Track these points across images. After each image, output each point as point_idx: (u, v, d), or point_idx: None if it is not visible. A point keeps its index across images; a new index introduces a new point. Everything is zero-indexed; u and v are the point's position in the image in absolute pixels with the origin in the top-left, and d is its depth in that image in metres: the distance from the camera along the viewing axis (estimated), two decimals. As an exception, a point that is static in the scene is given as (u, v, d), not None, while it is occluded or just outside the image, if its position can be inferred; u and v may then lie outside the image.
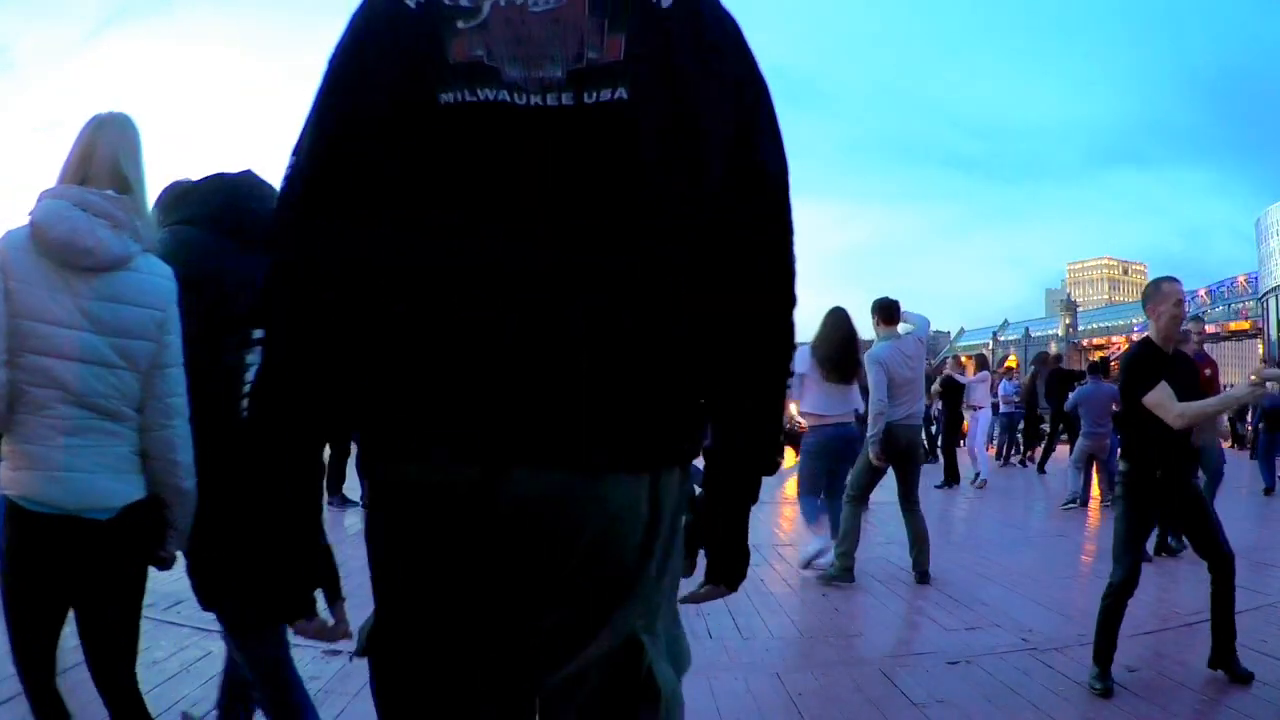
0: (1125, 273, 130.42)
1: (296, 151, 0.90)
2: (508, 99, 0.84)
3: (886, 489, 8.73)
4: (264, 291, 0.89)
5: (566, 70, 0.85)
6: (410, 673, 0.89)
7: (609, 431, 0.85)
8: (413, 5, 0.87)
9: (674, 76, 0.87)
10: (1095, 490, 8.13)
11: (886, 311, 5.08)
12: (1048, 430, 11.50)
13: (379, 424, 0.88)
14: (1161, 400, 2.91)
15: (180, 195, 1.85)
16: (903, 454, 4.97)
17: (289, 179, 0.90)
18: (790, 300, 0.98)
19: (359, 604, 4.26)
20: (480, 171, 0.85)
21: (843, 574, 4.68)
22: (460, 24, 0.85)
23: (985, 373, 10.61)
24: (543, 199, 0.84)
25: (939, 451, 10.48)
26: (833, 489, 5.16)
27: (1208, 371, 5.66)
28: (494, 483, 0.83)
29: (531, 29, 0.85)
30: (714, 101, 0.89)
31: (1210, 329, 57.65)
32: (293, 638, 3.41)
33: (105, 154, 1.61)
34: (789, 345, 1.01)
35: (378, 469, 0.89)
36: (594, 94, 0.85)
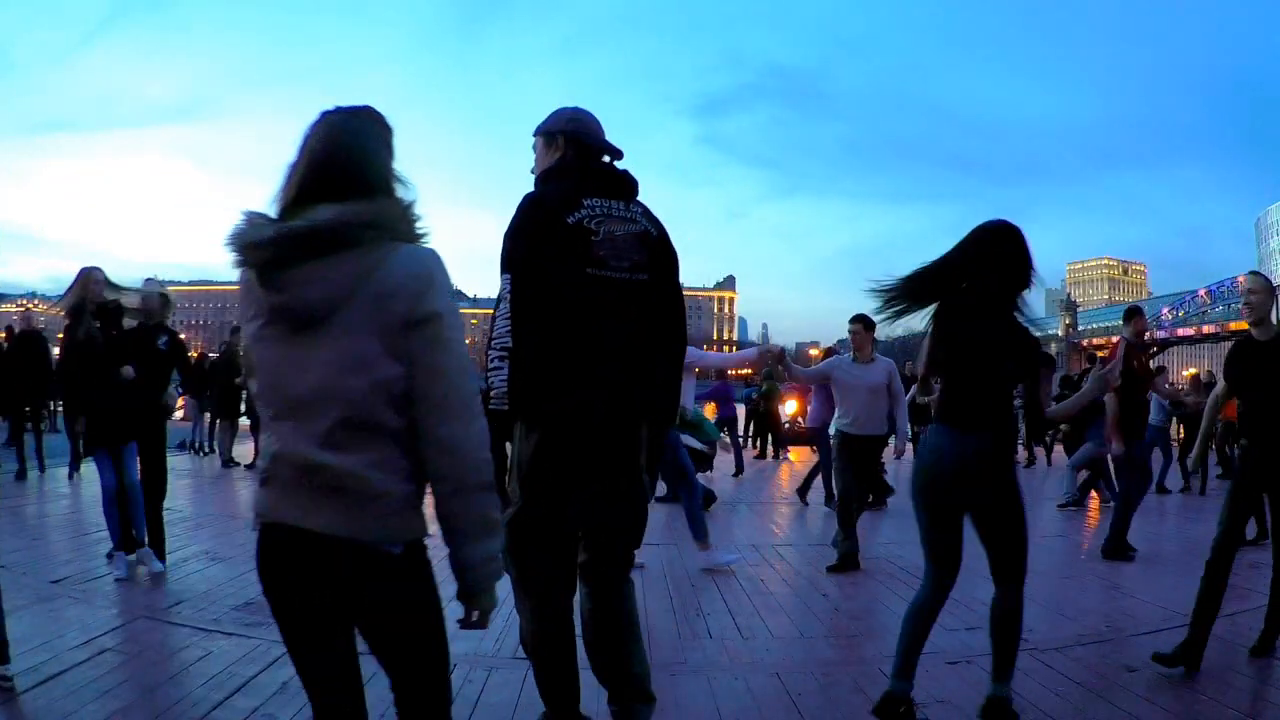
0: (1125, 273, 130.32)
1: (507, 274, 2.15)
2: (611, 275, 2.19)
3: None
4: (514, 355, 2.11)
5: (630, 263, 2.23)
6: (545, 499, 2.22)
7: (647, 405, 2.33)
8: (570, 222, 2.16)
9: (659, 269, 2.30)
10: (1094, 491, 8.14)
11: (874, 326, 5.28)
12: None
13: (573, 418, 2.18)
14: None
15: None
16: None
17: (512, 296, 2.13)
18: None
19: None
20: (603, 304, 2.18)
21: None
22: (593, 239, 2.18)
23: None
24: (621, 316, 2.21)
25: None
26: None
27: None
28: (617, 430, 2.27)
29: (619, 245, 2.21)
30: (670, 280, 2.35)
31: (1210, 329, 57.66)
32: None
33: None
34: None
35: (569, 435, 2.19)
36: (639, 275, 2.25)
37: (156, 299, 4.77)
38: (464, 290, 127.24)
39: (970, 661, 3.29)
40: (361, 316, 1.28)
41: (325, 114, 1.41)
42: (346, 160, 1.36)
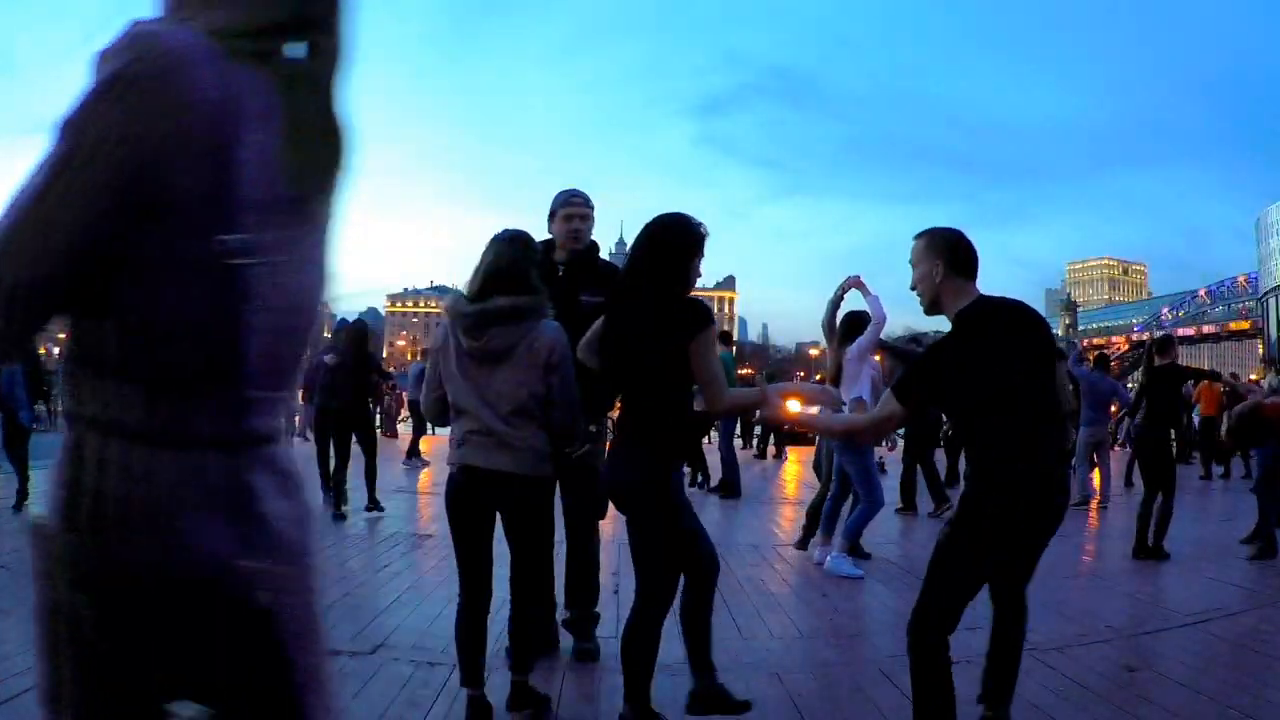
0: (1125, 273, 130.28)
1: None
2: None
3: (892, 489, 8.72)
4: None
5: None
6: None
7: None
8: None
9: None
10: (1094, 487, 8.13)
11: None
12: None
13: None
14: None
15: None
16: None
17: None
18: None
19: (357, 604, 4.26)
20: None
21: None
22: None
23: None
24: None
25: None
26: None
27: None
28: None
29: None
30: None
31: (1210, 329, 57.68)
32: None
33: None
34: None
35: None
36: None
37: None
38: (464, 291, 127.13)
39: (970, 661, 3.28)
40: (526, 359, 2.41)
41: (500, 237, 2.54)
42: (513, 269, 2.46)
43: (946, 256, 2.26)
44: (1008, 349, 2.19)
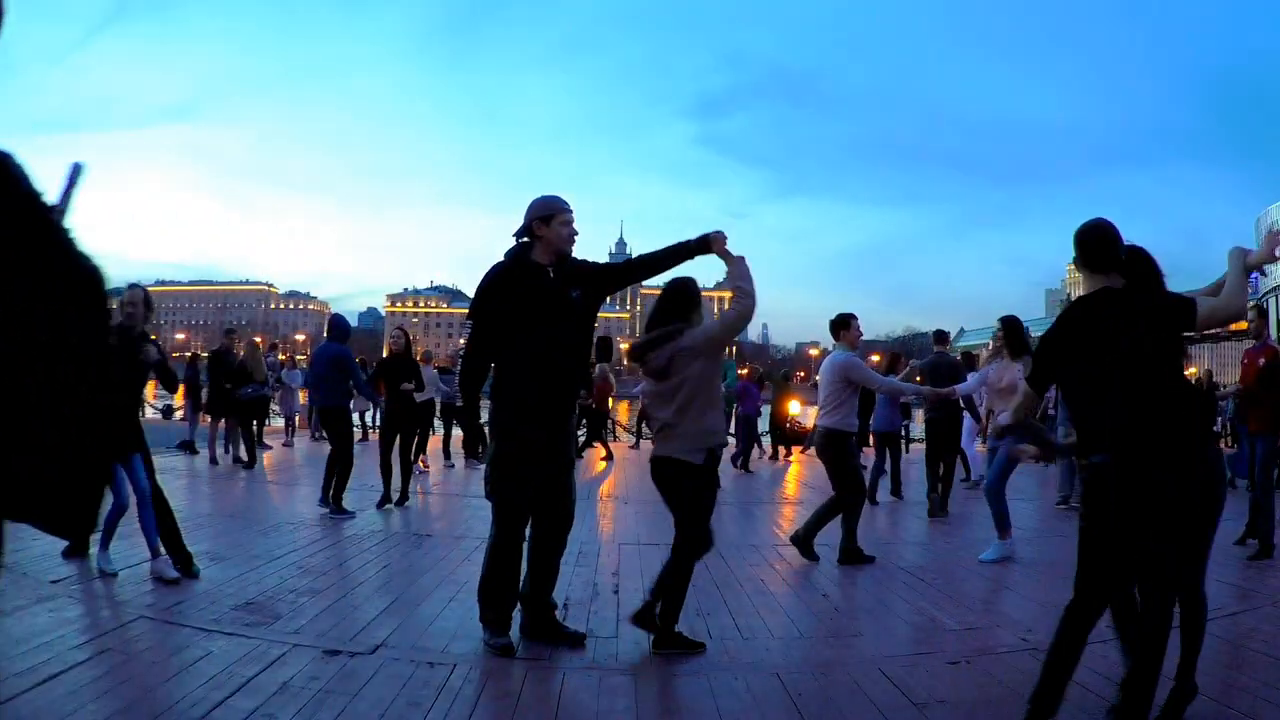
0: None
1: None
2: None
3: (887, 489, 8.68)
4: None
5: None
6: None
7: None
8: None
9: None
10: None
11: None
12: None
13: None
14: None
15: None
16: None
17: None
18: None
19: (357, 604, 4.24)
20: None
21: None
22: None
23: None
24: None
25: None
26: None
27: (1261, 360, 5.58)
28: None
29: None
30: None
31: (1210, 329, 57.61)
32: (296, 638, 3.41)
33: None
34: None
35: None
36: None
37: (141, 305, 4.62)
38: (464, 290, 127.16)
39: (970, 661, 3.29)
40: (673, 370, 3.43)
41: (666, 284, 3.63)
42: (670, 308, 3.56)
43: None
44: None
